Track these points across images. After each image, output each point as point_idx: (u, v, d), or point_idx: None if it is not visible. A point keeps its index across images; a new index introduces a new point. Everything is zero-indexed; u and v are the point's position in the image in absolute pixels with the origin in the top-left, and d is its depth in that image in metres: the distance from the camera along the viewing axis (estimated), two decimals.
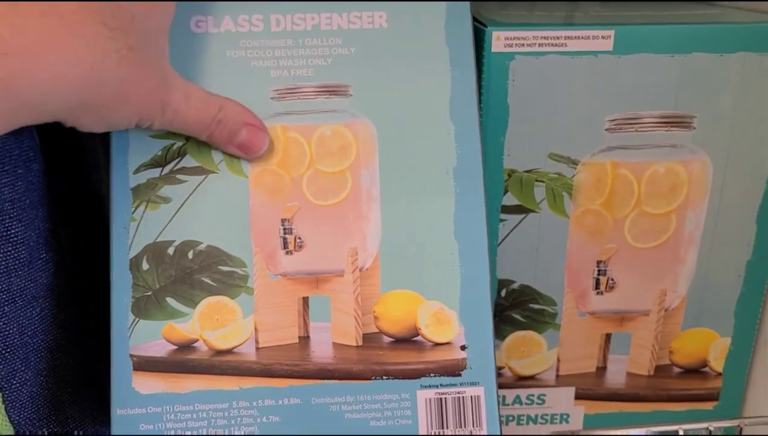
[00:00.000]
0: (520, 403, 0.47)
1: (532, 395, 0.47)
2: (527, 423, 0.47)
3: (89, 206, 0.44)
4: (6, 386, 0.36)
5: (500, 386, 0.46)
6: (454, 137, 0.38)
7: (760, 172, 0.42)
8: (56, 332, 0.39)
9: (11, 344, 0.36)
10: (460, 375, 0.37)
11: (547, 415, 0.47)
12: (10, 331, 0.36)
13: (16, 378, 0.36)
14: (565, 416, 0.47)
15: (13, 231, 0.36)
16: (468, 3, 0.38)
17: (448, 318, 0.37)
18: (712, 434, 0.37)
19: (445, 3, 0.38)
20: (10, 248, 0.35)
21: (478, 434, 0.36)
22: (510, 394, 0.47)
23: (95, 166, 0.45)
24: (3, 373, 0.36)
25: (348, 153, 0.38)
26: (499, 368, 0.46)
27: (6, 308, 0.35)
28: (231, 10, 0.37)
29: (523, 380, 0.47)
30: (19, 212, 0.36)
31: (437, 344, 0.37)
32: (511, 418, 0.47)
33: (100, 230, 0.46)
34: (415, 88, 0.38)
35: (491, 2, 0.52)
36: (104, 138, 0.43)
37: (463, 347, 0.37)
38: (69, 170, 0.42)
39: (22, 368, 0.36)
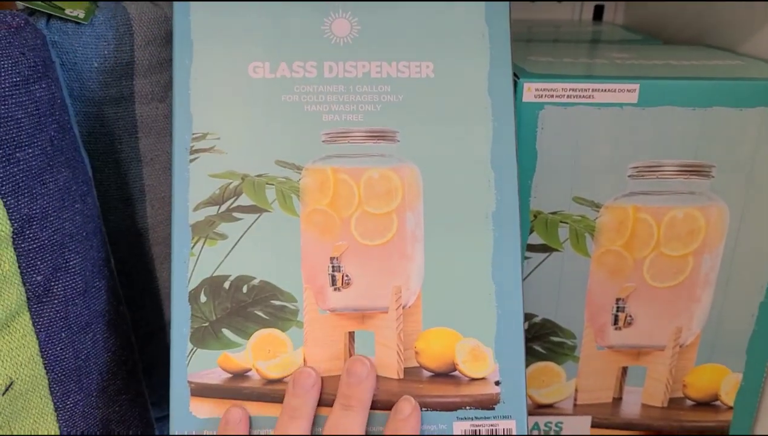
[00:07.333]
0: (539, 430, 0.49)
1: (550, 423, 0.49)
2: None
3: (133, 236, 0.46)
4: (61, 406, 0.38)
5: None
6: (494, 184, 0.39)
7: None
8: (105, 355, 0.41)
9: (66, 368, 0.38)
10: (493, 409, 0.38)
11: None
12: (66, 355, 0.38)
13: (70, 399, 0.38)
14: None
15: (71, 263, 0.38)
16: (509, 56, 0.39)
17: (483, 355, 0.39)
18: None
19: (488, 56, 0.39)
20: (68, 279, 0.37)
21: None
22: (529, 421, 0.48)
23: (140, 199, 0.47)
24: (58, 394, 0.38)
25: (394, 196, 0.39)
26: None
27: (62, 334, 0.37)
28: (287, 56, 0.39)
29: (542, 408, 0.48)
30: (77, 245, 0.38)
31: (473, 379, 0.39)
32: None
33: (142, 258, 0.48)
34: (458, 135, 0.39)
35: (518, 42, 0.54)
36: (151, 169, 0.44)
37: (497, 383, 0.38)
38: (116, 203, 0.44)
39: (75, 389, 0.39)
